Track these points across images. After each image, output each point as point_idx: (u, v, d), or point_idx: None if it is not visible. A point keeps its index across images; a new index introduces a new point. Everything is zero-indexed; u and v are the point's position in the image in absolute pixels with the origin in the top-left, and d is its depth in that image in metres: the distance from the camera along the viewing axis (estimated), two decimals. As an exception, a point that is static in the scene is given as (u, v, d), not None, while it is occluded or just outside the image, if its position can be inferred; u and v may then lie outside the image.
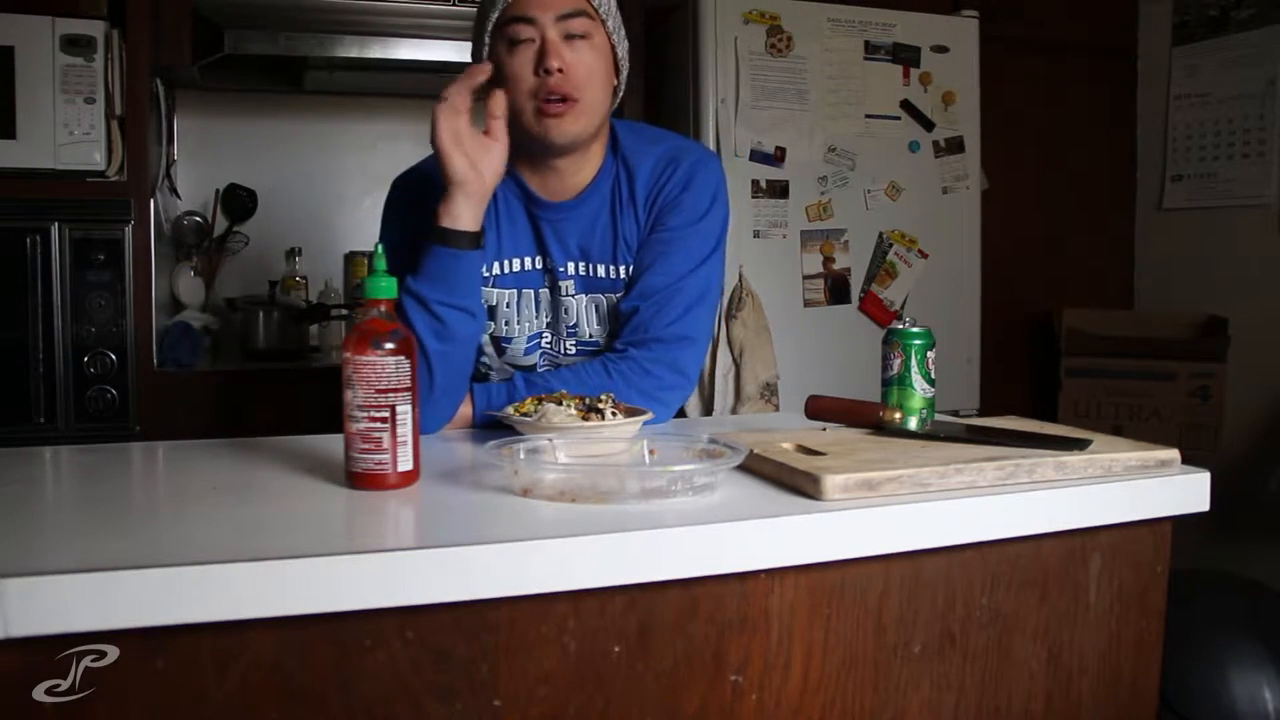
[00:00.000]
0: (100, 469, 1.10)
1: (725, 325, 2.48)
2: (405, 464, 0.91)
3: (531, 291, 1.38)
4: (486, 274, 1.36)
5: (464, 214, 1.21)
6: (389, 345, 0.89)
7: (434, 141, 1.20)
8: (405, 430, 0.90)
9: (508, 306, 1.37)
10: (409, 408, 0.90)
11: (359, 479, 0.90)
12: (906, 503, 0.87)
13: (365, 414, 0.89)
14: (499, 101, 1.24)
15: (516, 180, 1.35)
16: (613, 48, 1.31)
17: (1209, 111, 3.16)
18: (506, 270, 1.37)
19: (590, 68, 1.27)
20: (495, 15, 1.26)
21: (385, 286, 0.93)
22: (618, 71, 1.33)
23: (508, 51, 1.26)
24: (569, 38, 1.25)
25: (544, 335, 1.40)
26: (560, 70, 1.23)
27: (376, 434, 0.89)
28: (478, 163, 1.20)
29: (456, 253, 1.21)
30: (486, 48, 1.29)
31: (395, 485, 0.90)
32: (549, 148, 1.29)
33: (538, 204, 1.35)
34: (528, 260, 1.37)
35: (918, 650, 0.90)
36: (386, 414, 0.89)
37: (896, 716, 0.90)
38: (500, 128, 1.22)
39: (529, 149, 1.30)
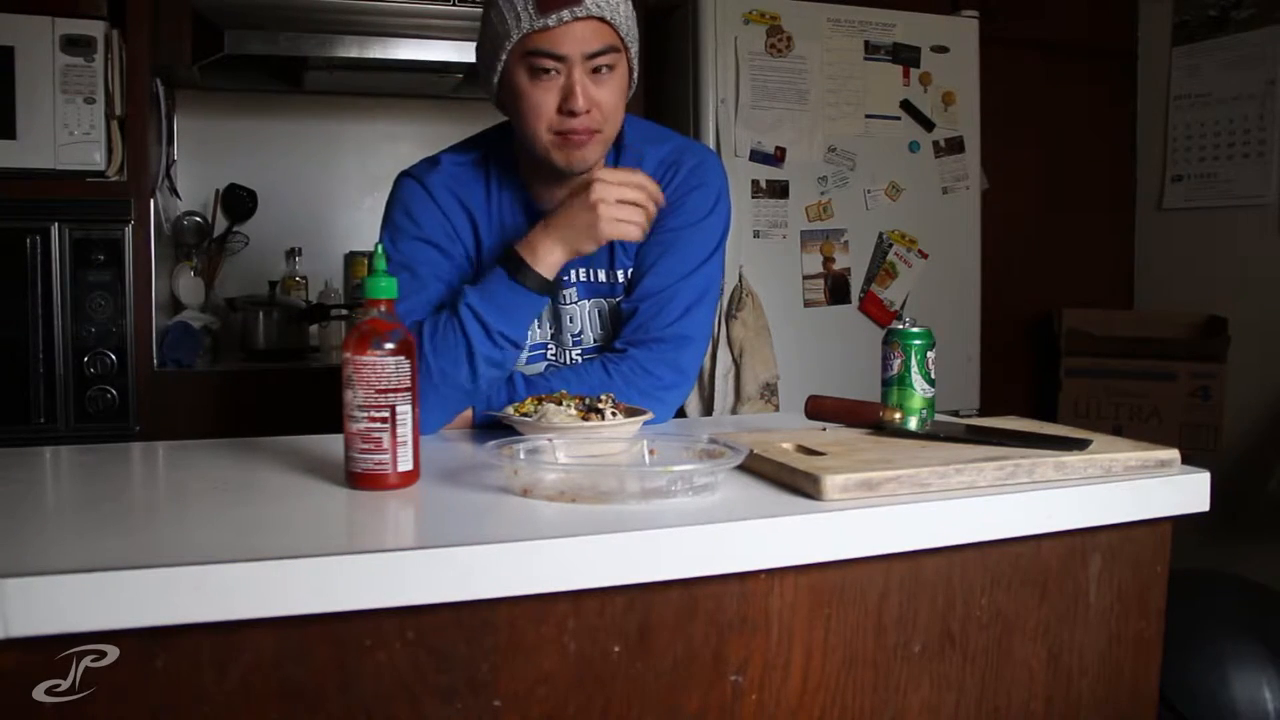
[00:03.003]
0: (100, 469, 1.10)
1: (725, 325, 2.48)
2: (405, 464, 0.90)
3: None
4: None
5: (557, 261, 1.23)
6: (389, 345, 0.89)
7: (615, 221, 1.20)
8: (405, 430, 0.90)
9: None
10: (409, 408, 0.90)
11: (359, 479, 0.90)
12: (906, 503, 0.86)
13: (365, 414, 0.89)
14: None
15: (520, 190, 1.35)
16: (631, 69, 1.28)
17: (1209, 111, 3.16)
18: None
19: (615, 101, 1.24)
20: (516, 37, 1.20)
21: (385, 286, 0.93)
22: (631, 84, 1.30)
23: (529, 78, 1.22)
24: (595, 71, 1.21)
25: (549, 347, 1.40)
26: (587, 111, 1.21)
27: (376, 434, 0.89)
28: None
29: (535, 297, 1.23)
30: (501, 65, 1.24)
31: (395, 485, 0.90)
32: (566, 173, 1.28)
33: (541, 215, 1.33)
34: None
35: (918, 650, 0.90)
36: (386, 414, 0.89)
37: (896, 716, 0.90)
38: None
39: (538, 164, 1.29)
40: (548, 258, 1.22)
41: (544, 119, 1.22)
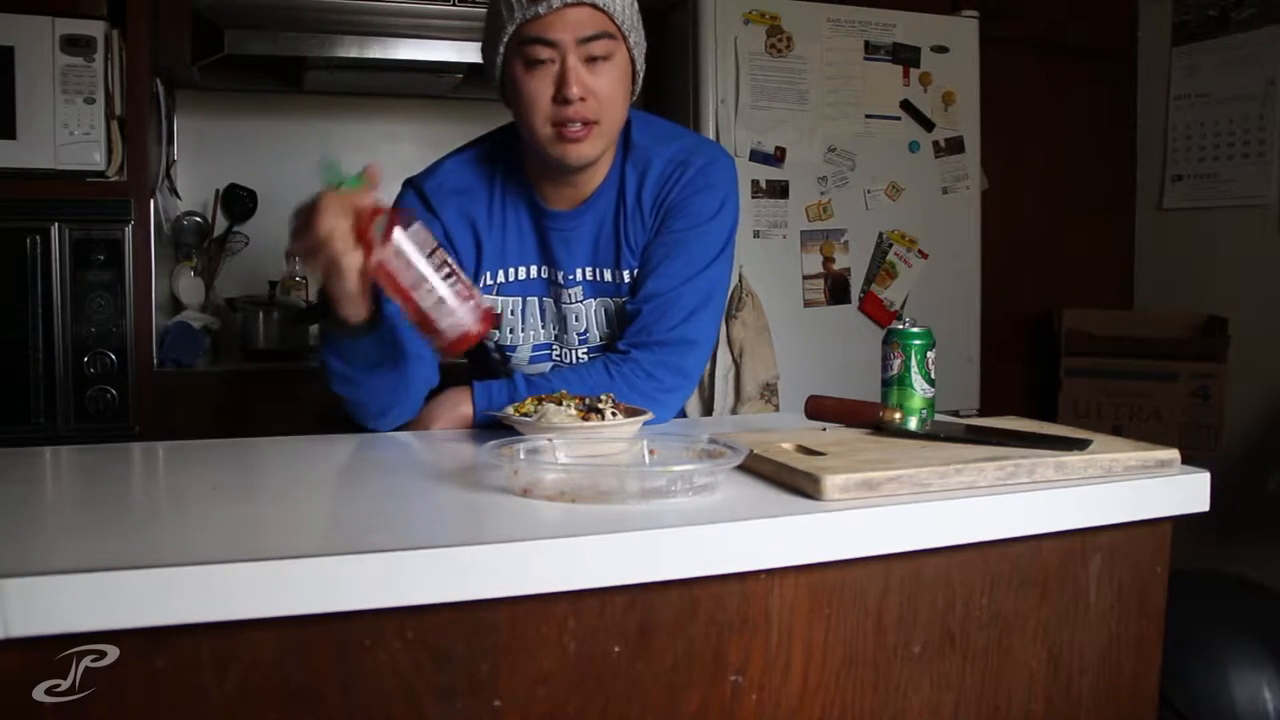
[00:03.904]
0: (100, 469, 1.10)
1: (725, 325, 2.48)
2: (475, 313, 1.05)
3: (536, 299, 1.37)
4: (490, 282, 1.35)
5: (351, 312, 1.11)
6: (394, 230, 1.01)
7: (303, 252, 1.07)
8: (452, 281, 1.04)
9: (512, 314, 1.37)
10: (435, 275, 1.04)
11: (461, 339, 1.05)
12: (906, 503, 0.86)
13: (432, 282, 1.03)
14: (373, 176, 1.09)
15: (525, 189, 1.34)
16: (632, 61, 1.27)
17: (1209, 111, 3.16)
18: (512, 278, 1.36)
19: (611, 90, 1.23)
20: (511, 29, 1.21)
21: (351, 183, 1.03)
22: (635, 79, 1.29)
23: (524, 70, 1.22)
24: (590, 59, 1.21)
25: (553, 347, 1.39)
26: (582, 98, 1.20)
27: (460, 290, 1.04)
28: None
29: (353, 338, 1.15)
30: (500, 59, 1.25)
31: (483, 330, 1.06)
32: (565, 168, 1.28)
33: (546, 215, 1.34)
34: (532, 269, 1.36)
35: (918, 650, 0.90)
36: (449, 268, 1.04)
37: (896, 717, 0.90)
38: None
39: (543, 163, 1.29)
40: (352, 311, 1.12)
41: (541, 110, 1.22)
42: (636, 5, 1.27)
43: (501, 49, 1.23)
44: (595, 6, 1.19)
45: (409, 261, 1.02)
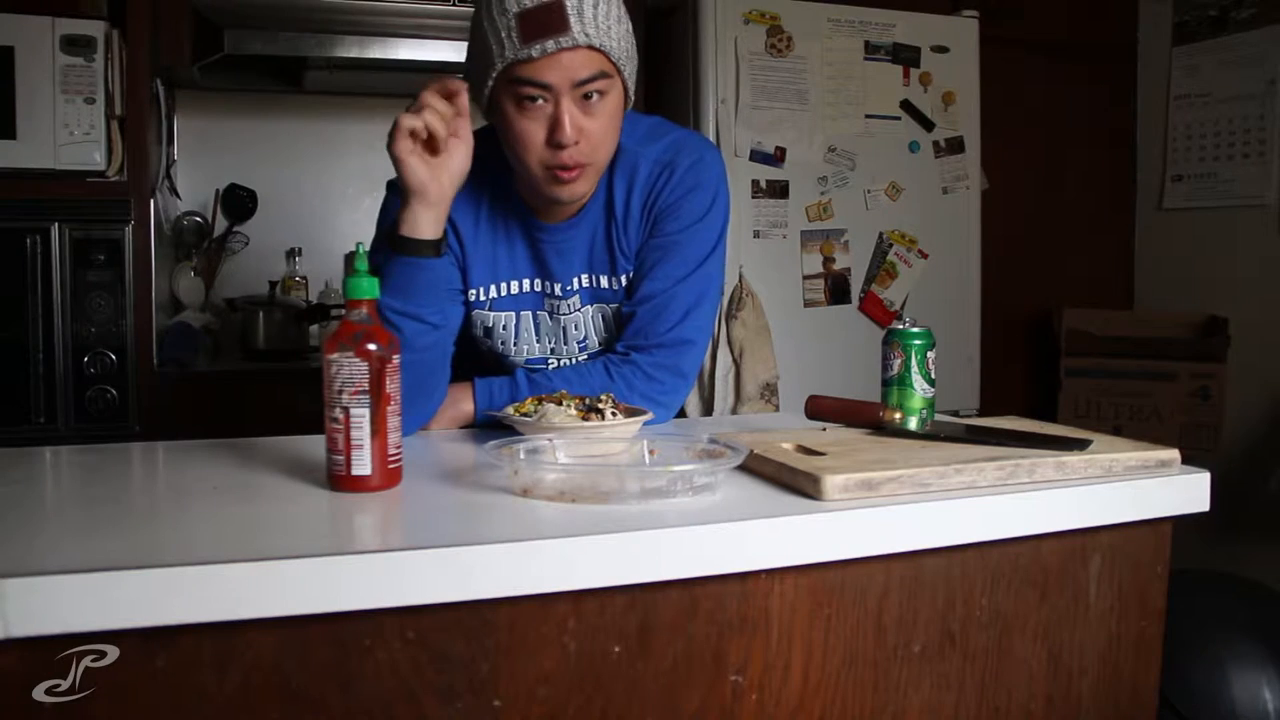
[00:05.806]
0: (100, 469, 1.10)
1: (725, 325, 2.48)
2: (361, 468, 0.89)
3: (530, 313, 1.36)
4: (483, 297, 1.33)
5: (423, 222, 1.16)
6: (349, 348, 0.89)
7: (390, 146, 1.13)
8: (360, 434, 0.88)
9: (504, 329, 1.36)
10: (365, 411, 0.88)
11: (328, 475, 0.91)
12: (906, 503, 0.86)
13: (328, 411, 0.89)
14: (464, 97, 1.15)
15: (515, 204, 1.32)
16: (625, 90, 1.23)
17: (1209, 111, 3.16)
18: (504, 293, 1.34)
19: (605, 129, 1.19)
20: (501, 65, 1.15)
21: (364, 287, 0.92)
22: (627, 104, 1.25)
23: (516, 108, 1.17)
24: (585, 98, 1.16)
25: (549, 361, 1.38)
26: (576, 142, 1.16)
27: (335, 433, 0.89)
28: (437, 169, 1.15)
29: (416, 261, 1.17)
30: (488, 90, 1.19)
31: (350, 488, 0.89)
32: (557, 204, 1.26)
33: (539, 228, 1.32)
34: (525, 283, 1.35)
35: (918, 650, 0.90)
36: (341, 415, 0.88)
37: (896, 716, 0.90)
38: (465, 126, 1.15)
39: (530, 187, 1.27)
40: (413, 221, 1.17)
41: (533, 151, 1.18)
42: (631, 32, 1.22)
43: (490, 81, 1.18)
44: (592, 48, 1.14)
45: (347, 374, 0.89)
